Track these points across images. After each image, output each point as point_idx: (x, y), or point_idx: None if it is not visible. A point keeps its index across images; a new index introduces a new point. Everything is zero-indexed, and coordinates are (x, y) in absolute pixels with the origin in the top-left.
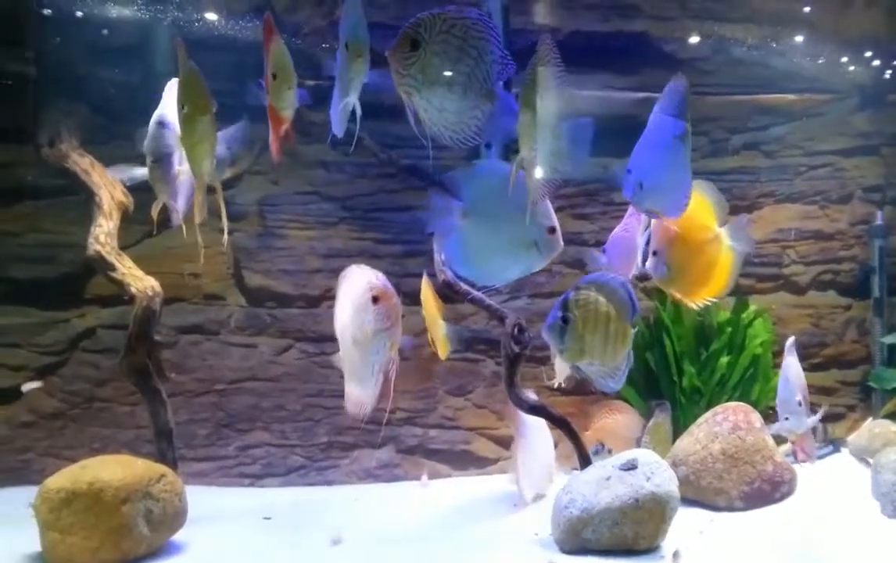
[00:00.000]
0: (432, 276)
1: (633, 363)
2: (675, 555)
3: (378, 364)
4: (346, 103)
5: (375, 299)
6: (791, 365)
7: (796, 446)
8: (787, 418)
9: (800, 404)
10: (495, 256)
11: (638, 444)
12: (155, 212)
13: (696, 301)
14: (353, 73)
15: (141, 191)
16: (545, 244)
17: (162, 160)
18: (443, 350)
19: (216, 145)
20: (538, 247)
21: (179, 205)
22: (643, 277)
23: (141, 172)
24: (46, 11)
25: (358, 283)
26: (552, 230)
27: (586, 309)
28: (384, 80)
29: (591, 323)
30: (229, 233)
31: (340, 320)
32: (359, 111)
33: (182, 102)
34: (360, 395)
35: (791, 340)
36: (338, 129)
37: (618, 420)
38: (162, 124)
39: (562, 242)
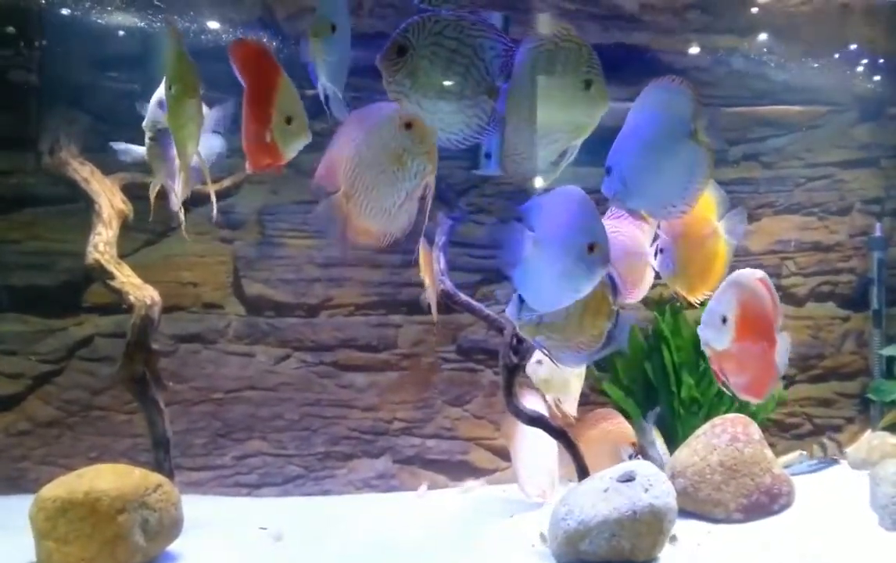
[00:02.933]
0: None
1: (619, 347)
2: (672, 539)
3: (410, 190)
4: (321, 86)
5: (408, 125)
6: (731, 287)
7: (716, 366)
8: (704, 328)
9: (724, 321)
10: (553, 281)
11: (644, 454)
12: (153, 193)
13: (695, 296)
14: (314, 55)
15: (140, 199)
16: (584, 262)
17: (160, 139)
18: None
19: (202, 127)
20: (578, 266)
21: (177, 186)
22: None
23: (139, 150)
24: (48, 19)
25: (381, 113)
26: (591, 247)
27: None
28: None
29: None
30: (229, 241)
31: (358, 151)
32: (337, 94)
33: (170, 82)
34: (383, 226)
35: (740, 272)
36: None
37: (605, 429)
38: (162, 104)
39: (607, 260)
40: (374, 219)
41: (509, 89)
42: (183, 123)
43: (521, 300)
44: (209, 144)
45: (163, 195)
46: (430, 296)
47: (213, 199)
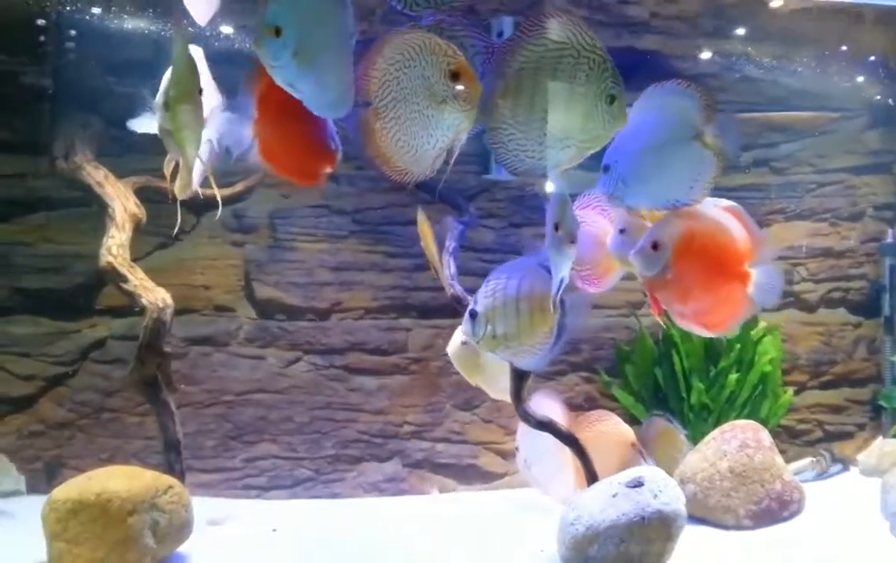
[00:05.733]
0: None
1: (578, 332)
2: None
3: (441, 140)
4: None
5: (455, 75)
6: (673, 215)
7: (650, 294)
8: (635, 255)
9: (655, 248)
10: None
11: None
12: (167, 170)
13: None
14: (264, 62)
15: (154, 203)
16: (554, 242)
17: None
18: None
19: (202, 133)
20: (551, 247)
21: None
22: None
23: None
24: (63, 24)
25: (426, 44)
26: (556, 228)
27: (494, 297)
28: None
29: (500, 309)
30: (240, 245)
31: (397, 79)
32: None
33: (170, 83)
34: (404, 163)
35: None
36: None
37: (600, 430)
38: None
39: (574, 238)
40: (397, 152)
41: (506, 87)
42: (178, 128)
43: (473, 316)
44: (236, 134)
45: (173, 199)
46: (434, 265)
47: (218, 197)
